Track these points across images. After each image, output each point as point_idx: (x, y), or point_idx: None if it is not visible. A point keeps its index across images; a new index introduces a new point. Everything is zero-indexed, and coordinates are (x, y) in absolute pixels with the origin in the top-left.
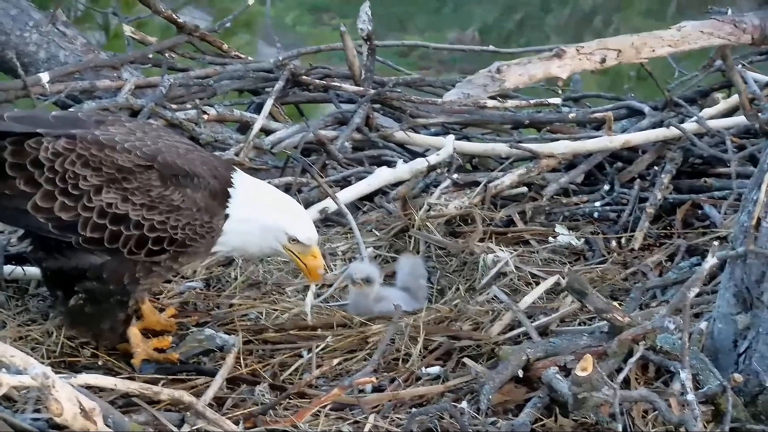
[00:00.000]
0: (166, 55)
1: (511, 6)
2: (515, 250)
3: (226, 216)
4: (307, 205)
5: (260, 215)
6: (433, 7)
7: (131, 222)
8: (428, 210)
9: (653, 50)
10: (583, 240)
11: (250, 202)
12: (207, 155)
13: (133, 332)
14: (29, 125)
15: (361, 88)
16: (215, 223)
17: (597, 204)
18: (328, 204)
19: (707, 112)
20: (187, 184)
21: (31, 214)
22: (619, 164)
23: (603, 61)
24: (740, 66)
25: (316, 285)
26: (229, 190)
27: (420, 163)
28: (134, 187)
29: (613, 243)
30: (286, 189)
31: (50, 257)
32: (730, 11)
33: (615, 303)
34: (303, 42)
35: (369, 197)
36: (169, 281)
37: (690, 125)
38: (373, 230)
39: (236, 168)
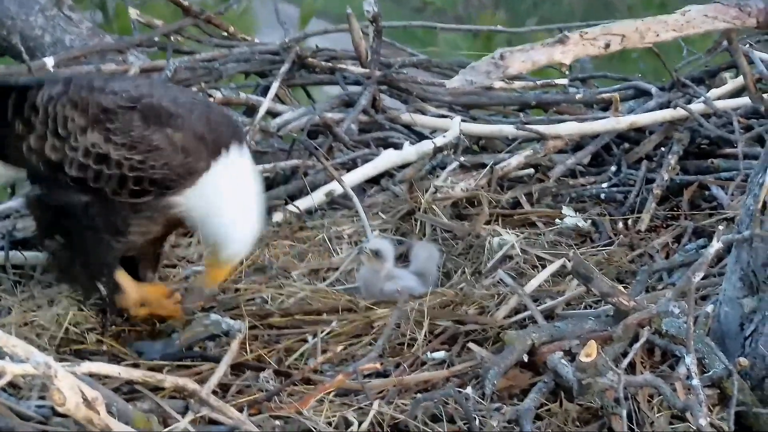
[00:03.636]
0: (172, 38)
1: None
2: (521, 233)
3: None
4: (313, 187)
5: (220, 203)
6: None
7: (113, 162)
8: (434, 192)
9: (657, 35)
10: (589, 222)
11: (227, 179)
12: (221, 120)
13: (120, 275)
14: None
15: (368, 70)
16: (195, 165)
17: (604, 185)
18: (334, 187)
19: (714, 92)
20: (169, 123)
21: (25, 156)
22: (626, 145)
23: (607, 46)
24: (747, 46)
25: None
26: (222, 149)
27: (426, 145)
28: (116, 127)
29: (620, 224)
30: (293, 172)
31: (51, 195)
32: None
33: (621, 285)
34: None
35: (375, 180)
36: (174, 266)
37: (697, 106)
38: (380, 213)
39: (243, 144)
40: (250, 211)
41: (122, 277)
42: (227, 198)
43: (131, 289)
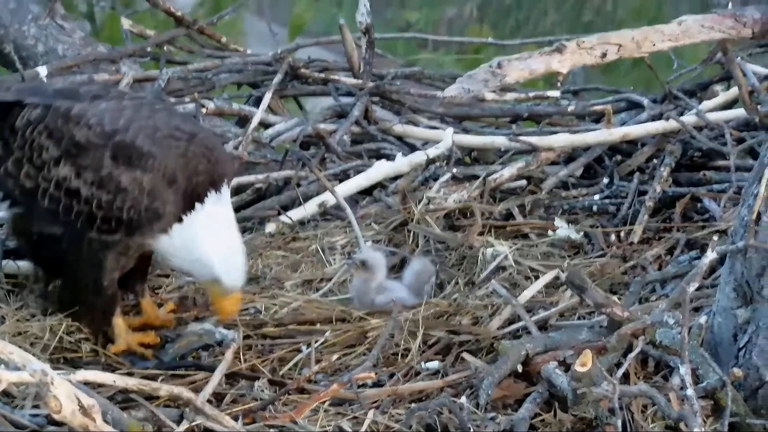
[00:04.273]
0: (165, 48)
1: None
2: (514, 244)
3: (179, 219)
4: (306, 198)
5: (202, 244)
6: None
7: (82, 198)
8: (427, 203)
9: (654, 44)
10: (582, 233)
11: (204, 227)
12: (201, 161)
13: (118, 323)
14: (27, 95)
15: (360, 81)
16: (163, 210)
17: (596, 197)
18: (327, 197)
19: (706, 104)
20: (139, 165)
21: (3, 179)
22: (619, 157)
23: (604, 55)
24: (739, 58)
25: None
26: (197, 204)
27: (419, 157)
28: (86, 164)
29: (613, 236)
30: (285, 182)
31: (27, 221)
32: (730, 5)
33: (614, 297)
34: (311, 30)
35: (368, 191)
36: (167, 275)
37: (689, 118)
38: (372, 224)
39: (221, 190)
40: (234, 242)
41: (117, 324)
42: (207, 240)
43: (122, 338)
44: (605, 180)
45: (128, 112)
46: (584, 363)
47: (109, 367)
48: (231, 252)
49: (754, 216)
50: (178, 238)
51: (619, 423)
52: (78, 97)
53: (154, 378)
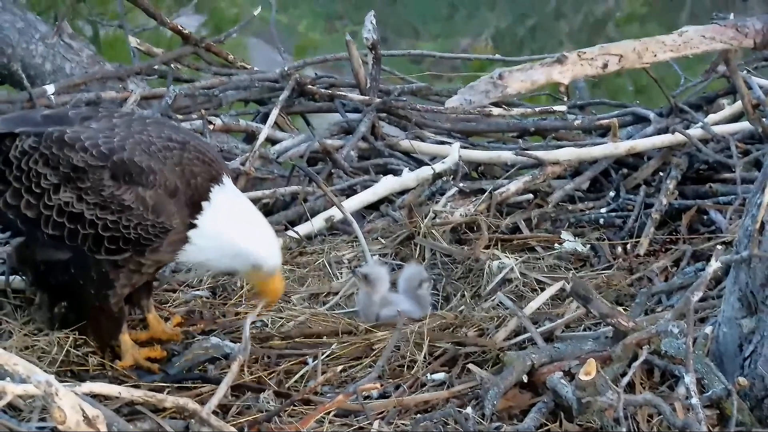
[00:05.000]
0: (172, 65)
1: (523, 13)
2: (521, 257)
3: (193, 225)
4: (312, 213)
5: (228, 238)
6: (445, 14)
7: (86, 221)
8: (434, 217)
9: (655, 55)
10: (588, 246)
11: (221, 221)
12: (196, 163)
13: (125, 339)
14: (17, 125)
15: (367, 97)
16: (170, 223)
17: (602, 210)
18: (334, 212)
19: (712, 117)
20: (140, 181)
21: (2, 210)
22: (625, 171)
23: (605, 66)
24: (745, 72)
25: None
26: (203, 203)
27: (426, 171)
28: (87, 186)
29: (619, 249)
30: (292, 198)
31: (31, 250)
32: (732, 16)
33: (620, 308)
34: (315, 49)
35: (375, 206)
36: (174, 290)
37: (695, 131)
38: (379, 238)
39: (223, 181)
40: (257, 224)
41: (124, 341)
42: (232, 231)
43: (128, 353)
44: (611, 193)
45: (120, 129)
46: (588, 372)
47: (116, 381)
48: (260, 235)
49: (758, 225)
50: (203, 242)
51: None
52: (68, 121)
53: (160, 390)
